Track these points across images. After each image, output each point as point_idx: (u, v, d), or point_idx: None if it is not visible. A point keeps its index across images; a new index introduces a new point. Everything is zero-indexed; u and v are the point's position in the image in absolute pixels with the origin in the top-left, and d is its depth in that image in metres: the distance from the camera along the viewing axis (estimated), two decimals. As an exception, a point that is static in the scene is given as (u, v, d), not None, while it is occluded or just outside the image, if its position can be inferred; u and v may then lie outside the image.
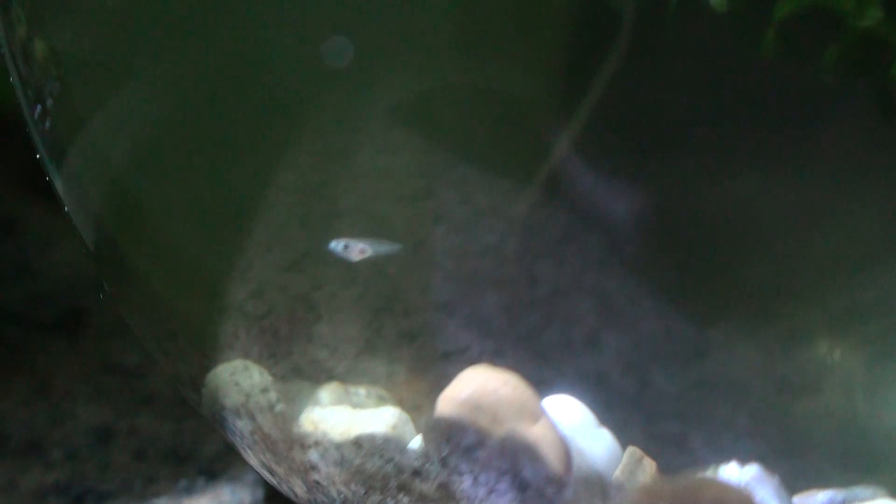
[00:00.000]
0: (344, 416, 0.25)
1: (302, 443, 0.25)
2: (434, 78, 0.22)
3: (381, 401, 0.25)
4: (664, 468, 0.23)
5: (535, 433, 0.22)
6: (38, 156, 0.25)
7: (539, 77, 0.22)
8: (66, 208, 0.26)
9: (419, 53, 0.22)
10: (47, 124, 0.24)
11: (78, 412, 0.36)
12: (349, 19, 0.22)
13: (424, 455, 0.24)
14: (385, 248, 0.23)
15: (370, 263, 0.24)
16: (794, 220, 0.23)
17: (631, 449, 0.24)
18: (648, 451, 0.23)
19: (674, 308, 0.22)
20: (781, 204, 0.22)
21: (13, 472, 0.33)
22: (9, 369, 0.39)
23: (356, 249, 0.23)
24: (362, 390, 0.25)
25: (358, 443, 0.24)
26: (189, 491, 0.32)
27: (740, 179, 0.22)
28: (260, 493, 0.32)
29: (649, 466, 0.24)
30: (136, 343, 0.43)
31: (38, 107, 0.24)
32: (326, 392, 0.25)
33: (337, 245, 0.23)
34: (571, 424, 0.23)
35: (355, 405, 0.25)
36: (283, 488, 0.26)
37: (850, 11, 0.22)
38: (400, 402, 0.24)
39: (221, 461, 0.34)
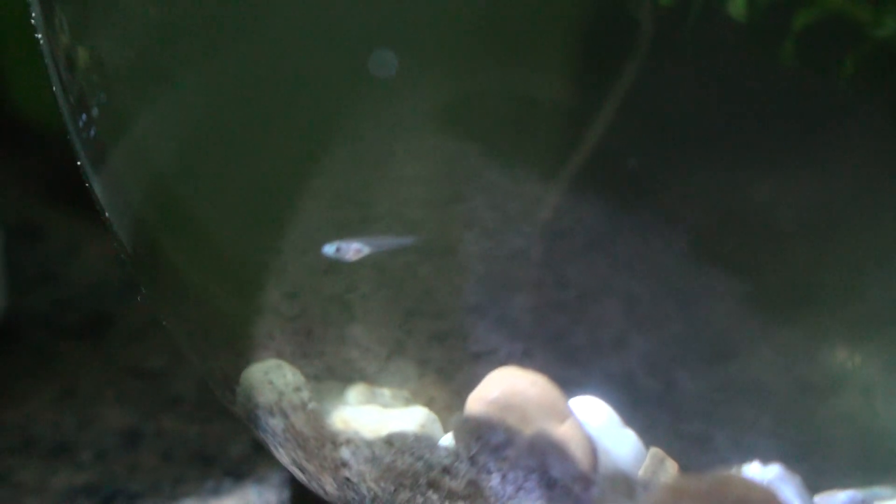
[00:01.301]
0: (374, 415, 0.25)
1: (334, 440, 0.25)
2: (464, 84, 0.23)
3: (407, 402, 0.26)
4: (688, 467, 0.24)
5: (562, 432, 0.23)
6: (78, 163, 0.26)
7: (568, 83, 0.23)
8: (105, 213, 0.26)
9: (450, 60, 0.23)
10: (91, 132, 0.25)
11: (105, 415, 0.37)
12: (382, 26, 0.23)
13: (454, 453, 0.24)
14: (389, 243, 0.23)
15: (402, 267, 0.24)
16: (817, 225, 0.23)
17: (653, 450, 0.24)
18: (673, 451, 0.24)
19: (699, 311, 0.23)
20: (803, 208, 0.23)
21: (44, 473, 0.33)
22: (36, 373, 0.40)
23: (350, 250, 0.23)
24: (387, 391, 0.26)
25: (389, 441, 0.25)
26: (216, 492, 0.33)
27: (762, 183, 0.23)
28: (286, 495, 0.33)
29: (671, 467, 0.25)
30: (161, 347, 0.43)
31: (84, 116, 0.25)
32: (353, 392, 0.26)
33: (329, 248, 0.23)
34: (597, 425, 0.24)
35: (382, 405, 0.26)
36: (313, 485, 0.27)
37: (867, 21, 0.23)
38: (429, 402, 0.25)
39: (247, 463, 0.34)
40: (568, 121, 0.23)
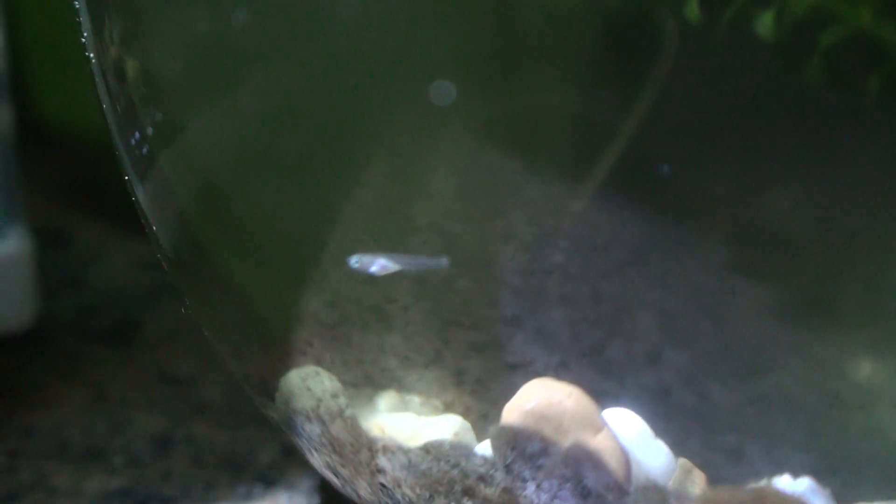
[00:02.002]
0: (410, 422, 0.26)
1: (370, 447, 0.26)
2: (503, 102, 0.24)
3: (436, 409, 0.26)
4: (720, 479, 0.24)
5: (597, 443, 0.24)
6: (126, 177, 0.27)
7: (603, 99, 0.23)
8: (148, 220, 0.27)
9: (491, 77, 0.24)
10: (140, 142, 0.26)
11: (135, 420, 0.37)
12: (425, 43, 0.24)
13: (489, 461, 0.25)
14: (421, 262, 0.24)
15: (441, 280, 0.25)
16: (847, 240, 0.24)
17: (682, 460, 0.25)
18: (706, 463, 0.24)
19: (732, 326, 0.24)
20: (835, 224, 0.24)
21: (78, 478, 0.34)
22: (66, 378, 0.40)
23: (373, 264, 0.24)
24: (417, 398, 0.26)
25: (426, 448, 0.25)
26: (248, 497, 0.33)
27: (792, 199, 0.23)
28: (316, 500, 0.33)
29: (699, 478, 0.25)
30: (187, 353, 0.44)
31: (134, 128, 0.25)
32: (384, 399, 0.27)
33: (352, 260, 0.24)
34: (629, 436, 0.25)
35: (413, 412, 0.26)
36: (347, 490, 0.27)
37: (892, 41, 0.23)
38: (466, 412, 0.25)
39: (277, 469, 0.35)
40: (604, 137, 0.24)
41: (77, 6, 0.27)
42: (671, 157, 0.24)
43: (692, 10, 0.25)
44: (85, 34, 0.27)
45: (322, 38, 0.24)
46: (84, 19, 0.27)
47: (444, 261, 0.24)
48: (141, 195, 0.27)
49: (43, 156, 0.61)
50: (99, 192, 0.56)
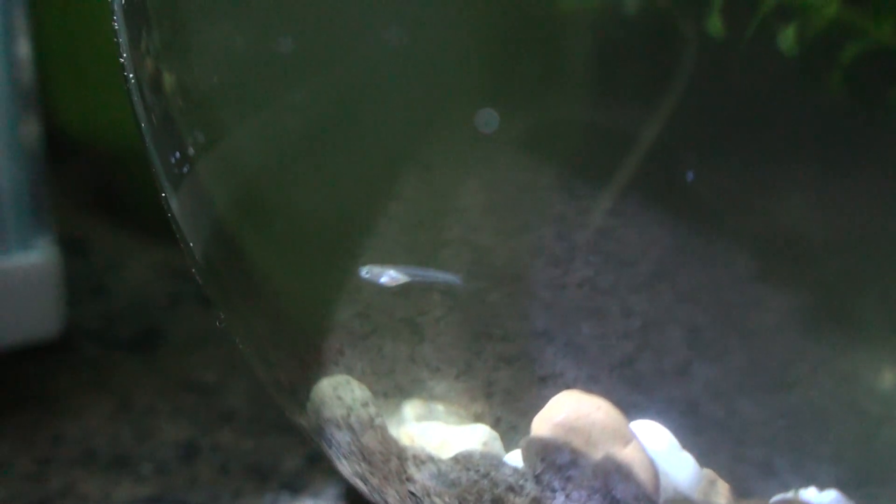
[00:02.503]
0: (439, 431, 0.26)
1: (400, 456, 0.26)
2: (535, 116, 0.24)
3: (460, 417, 0.26)
4: (748, 492, 0.25)
5: (627, 455, 0.24)
6: (159, 188, 0.27)
7: (633, 114, 0.24)
8: (181, 230, 0.27)
9: (522, 92, 0.24)
10: (174, 151, 0.26)
11: (161, 428, 0.38)
12: (455, 59, 0.24)
13: (519, 471, 0.25)
14: (432, 276, 0.24)
15: (473, 293, 0.25)
16: (875, 251, 0.24)
17: (705, 471, 0.25)
18: (733, 475, 0.24)
19: (761, 341, 0.24)
20: (860, 235, 0.24)
21: (106, 486, 0.34)
22: (92, 386, 0.41)
23: (382, 276, 0.24)
24: (441, 407, 0.26)
25: (456, 457, 0.25)
26: (274, 504, 0.34)
27: (820, 213, 0.24)
28: (342, 508, 0.34)
29: (723, 489, 0.25)
30: (211, 361, 0.44)
31: (174, 148, 0.26)
32: (409, 407, 0.27)
33: (363, 270, 0.25)
34: (657, 448, 0.25)
35: (436, 420, 0.26)
36: (375, 497, 0.28)
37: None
38: (496, 422, 0.26)
39: (303, 477, 0.35)
40: (633, 151, 0.24)
41: (115, 20, 0.27)
42: (699, 170, 0.24)
43: (714, 25, 0.25)
44: (122, 49, 0.27)
45: (360, 54, 0.24)
46: (121, 33, 0.27)
47: (454, 277, 0.24)
48: (176, 208, 0.27)
49: (65, 165, 0.61)
50: (121, 200, 0.57)
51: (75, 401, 0.39)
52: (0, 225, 0.39)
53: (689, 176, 0.23)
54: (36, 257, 0.38)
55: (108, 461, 0.36)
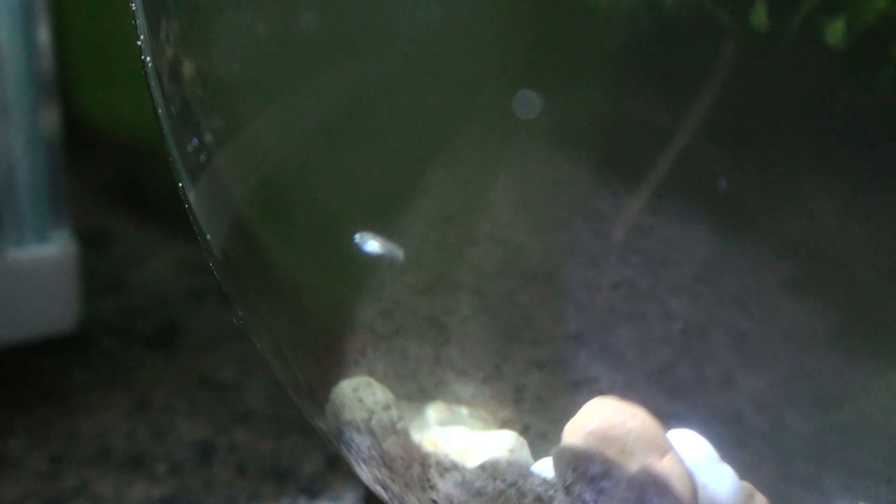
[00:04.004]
0: (463, 437, 0.25)
1: (422, 462, 0.25)
2: (571, 109, 0.23)
3: (485, 421, 0.25)
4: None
5: (664, 467, 0.23)
6: (177, 178, 0.26)
7: (675, 108, 0.23)
8: (199, 224, 0.26)
9: (559, 83, 0.23)
10: (193, 141, 0.25)
11: (178, 426, 0.37)
12: (487, 50, 0.23)
13: (548, 481, 0.24)
14: (388, 250, 0.24)
15: (502, 292, 0.24)
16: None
17: (743, 483, 0.24)
18: (777, 492, 0.23)
19: (810, 350, 0.23)
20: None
21: (120, 486, 0.33)
22: (109, 383, 0.40)
23: (366, 244, 0.24)
24: (465, 410, 0.25)
25: (482, 465, 0.24)
26: (291, 508, 0.33)
27: (873, 217, 0.23)
28: (361, 514, 0.33)
29: (761, 501, 0.24)
30: (230, 359, 0.44)
31: (188, 129, 0.25)
32: (432, 410, 0.26)
33: (355, 237, 0.24)
34: (694, 459, 0.24)
35: (459, 425, 0.25)
36: (395, 505, 0.27)
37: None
38: (525, 429, 0.24)
39: (321, 480, 0.34)
40: (677, 147, 0.23)
41: (133, 6, 0.27)
42: (743, 167, 0.23)
43: (759, 17, 0.24)
44: (141, 35, 0.26)
45: (388, 41, 0.23)
46: (140, 19, 0.26)
47: (398, 252, 0.24)
48: (194, 200, 0.26)
49: (87, 157, 0.61)
50: (140, 194, 0.56)
51: (91, 397, 0.38)
52: (16, 216, 0.38)
53: (722, 184, 0.22)
54: (53, 249, 0.38)
55: (123, 460, 0.35)
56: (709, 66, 0.23)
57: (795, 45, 0.22)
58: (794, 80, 0.23)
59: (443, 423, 0.26)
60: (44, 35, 0.38)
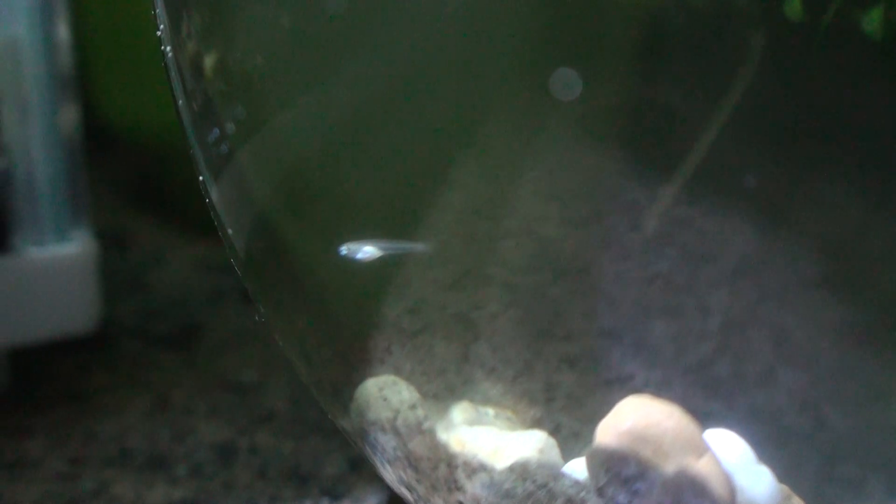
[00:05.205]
0: (492, 437, 0.24)
1: (449, 462, 0.24)
2: (607, 98, 0.22)
3: (510, 421, 0.25)
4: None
5: (701, 468, 0.22)
6: (198, 174, 0.26)
7: (715, 101, 0.22)
8: (222, 221, 0.26)
9: (594, 71, 0.22)
10: (219, 142, 0.24)
11: (198, 428, 0.36)
12: (519, 33, 0.22)
13: (580, 483, 0.23)
14: (402, 247, 0.23)
15: (532, 287, 0.23)
16: None
17: (781, 486, 0.23)
18: (819, 494, 0.22)
19: (854, 347, 0.22)
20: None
21: (140, 487, 0.33)
22: (129, 384, 0.39)
23: (360, 252, 0.23)
24: (491, 410, 0.25)
25: (511, 466, 0.24)
26: (314, 511, 0.32)
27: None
28: (385, 518, 0.32)
29: (800, 505, 0.23)
30: (250, 360, 0.43)
31: (213, 128, 0.24)
32: (458, 410, 0.25)
33: (342, 249, 0.23)
34: (732, 460, 0.23)
35: (485, 424, 0.25)
36: (421, 508, 0.26)
37: None
38: (556, 429, 0.24)
39: (343, 482, 0.34)
40: (713, 138, 0.22)
41: (154, 0, 0.26)
42: (784, 158, 0.22)
43: (794, 8, 0.23)
44: (161, 28, 0.26)
45: (415, 31, 0.22)
46: (161, 13, 0.26)
47: (422, 246, 0.23)
48: (216, 196, 0.26)
49: (107, 158, 0.60)
50: (160, 194, 0.56)
51: (111, 398, 0.38)
52: (36, 215, 0.38)
53: (749, 181, 0.22)
54: (73, 249, 0.37)
55: (143, 461, 0.34)
56: (746, 57, 0.22)
57: (831, 35, 0.22)
58: (830, 72, 0.22)
59: (468, 422, 0.25)
60: (63, 33, 0.38)
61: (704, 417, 0.23)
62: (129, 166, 0.60)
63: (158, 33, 0.26)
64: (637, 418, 0.22)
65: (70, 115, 0.39)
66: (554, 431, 0.24)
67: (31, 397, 0.38)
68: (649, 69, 0.23)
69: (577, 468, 0.24)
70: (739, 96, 0.22)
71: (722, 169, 0.22)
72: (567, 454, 0.24)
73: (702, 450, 0.22)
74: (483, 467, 0.24)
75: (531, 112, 0.23)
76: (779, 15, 0.23)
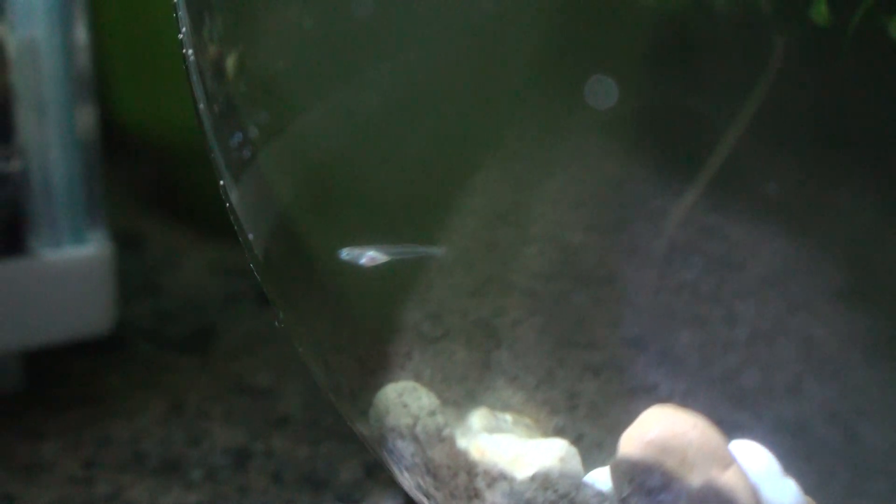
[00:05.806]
0: (511, 445, 0.24)
1: (469, 470, 0.24)
2: (632, 102, 0.22)
3: (529, 430, 0.24)
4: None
5: (727, 480, 0.22)
6: (218, 177, 0.26)
7: (741, 107, 0.22)
8: (241, 225, 0.26)
9: (617, 79, 0.22)
10: (237, 138, 0.24)
11: (213, 432, 0.36)
12: (546, 38, 0.22)
13: (603, 494, 0.23)
14: (413, 251, 0.23)
15: (556, 294, 0.23)
16: None
17: (807, 498, 0.23)
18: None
19: (887, 358, 0.21)
20: None
21: (155, 491, 0.33)
22: (144, 387, 0.39)
23: (364, 257, 0.23)
24: (509, 417, 0.24)
25: (532, 476, 0.23)
26: (330, 518, 0.32)
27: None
28: (402, 525, 0.32)
29: (825, 519, 0.23)
30: (265, 363, 0.43)
31: (235, 129, 0.24)
32: (476, 417, 0.25)
33: (343, 253, 0.23)
34: (757, 472, 0.23)
35: (504, 432, 0.24)
36: (440, 516, 0.26)
37: None
38: (579, 438, 0.23)
39: (359, 489, 0.33)
40: (743, 146, 0.22)
41: (175, 2, 0.26)
42: (811, 165, 0.22)
43: (820, 12, 0.23)
44: (183, 31, 0.26)
45: (440, 35, 0.22)
46: (183, 16, 0.26)
47: (437, 249, 0.22)
48: (236, 200, 0.26)
49: (124, 160, 0.60)
50: (176, 196, 0.56)
51: (125, 401, 0.38)
52: (52, 216, 0.38)
53: (775, 188, 0.21)
54: (88, 251, 0.37)
55: (157, 465, 0.34)
56: (772, 62, 0.22)
57: (857, 40, 0.21)
58: (857, 77, 0.22)
59: (487, 429, 0.25)
60: (81, 34, 0.38)
61: (730, 428, 0.22)
62: (144, 168, 0.60)
63: (180, 36, 0.26)
64: (662, 428, 0.22)
65: (87, 117, 0.39)
66: (576, 440, 0.24)
67: (46, 399, 0.38)
68: (675, 75, 0.22)
69: (599, 478, 0.24)
70: (766, 102, 0.22)
71: (748, 176, 0.22)
72: (589, 464, 0.24)
73: (727, 461, 0.22)
74: (503, 476, 0.24)
75: (556, 117, 0.22)
76: (805, 19, 0.22)
